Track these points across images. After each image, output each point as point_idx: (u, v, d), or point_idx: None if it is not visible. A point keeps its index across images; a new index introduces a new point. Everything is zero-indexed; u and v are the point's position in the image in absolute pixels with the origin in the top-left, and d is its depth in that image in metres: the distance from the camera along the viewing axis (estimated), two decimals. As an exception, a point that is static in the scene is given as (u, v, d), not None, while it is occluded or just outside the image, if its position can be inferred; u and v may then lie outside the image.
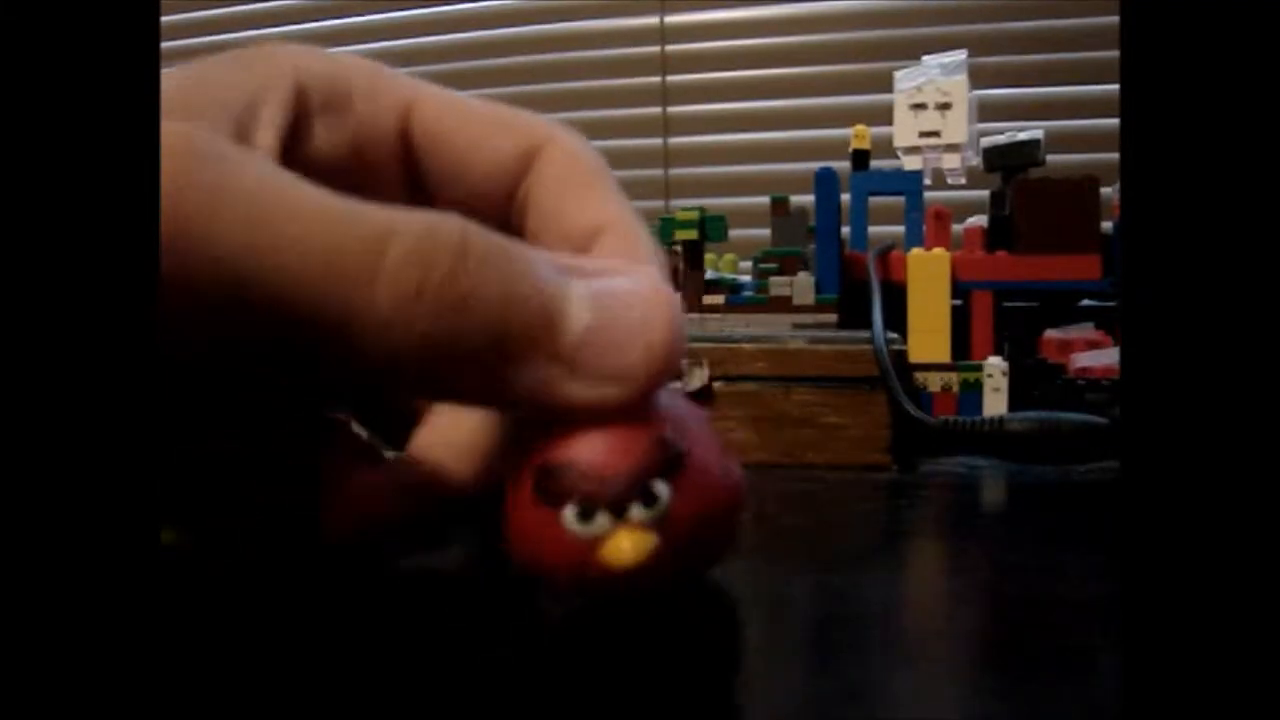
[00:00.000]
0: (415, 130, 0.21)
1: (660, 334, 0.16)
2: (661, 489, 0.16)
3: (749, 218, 0.60)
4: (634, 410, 0.17)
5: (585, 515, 0.16)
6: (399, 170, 0.22)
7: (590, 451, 0.16)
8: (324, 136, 0.21)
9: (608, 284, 0.17)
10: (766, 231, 0.50)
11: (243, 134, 0.19)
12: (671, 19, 0.99)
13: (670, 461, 0.16)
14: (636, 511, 0.16)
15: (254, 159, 0.16)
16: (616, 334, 0.16)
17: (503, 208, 0.21)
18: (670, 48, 0.99)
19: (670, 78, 1.00)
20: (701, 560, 0.18)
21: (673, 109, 1.00)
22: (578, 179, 0.21)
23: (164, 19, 1.09)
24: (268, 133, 0.19)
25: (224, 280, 0.15)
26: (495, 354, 0.16)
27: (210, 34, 1.15)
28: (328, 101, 0.20)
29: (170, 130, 0.16)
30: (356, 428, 0.23)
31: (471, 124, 0.21)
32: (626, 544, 0.16)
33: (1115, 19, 0.80)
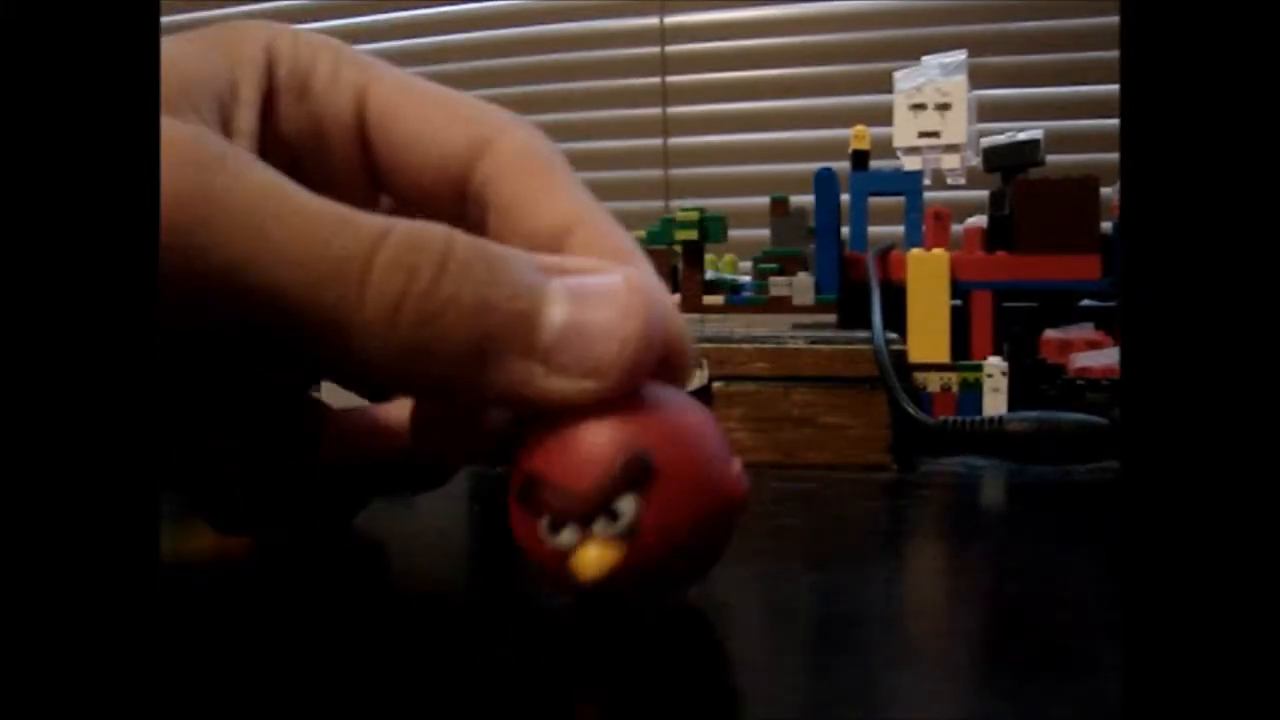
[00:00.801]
0: (369, 115, 0.21)
1: (636, 327, 0.16)
2: (627, 505, 0.16)
3: (749, 218, 0.60)
4: (612, 415, 0.17)
5: (555, 528, 0.16)
6: (357, 156, 0.21)
7: (558, 467, 0.17)
8: (288, 117, 0.21)
9: (584, 280, 0.17)
10: (766, 231, 0.50)
11: (226, 116, 0.19)
12: (671, 19, 0.99)
13: (637, 476, 0.16)
14: (601, 526, 0.16)
15: (253, 164, 0.16)
16: (592, 329, 0.16)
17: (454, 199, 0.21)
18: (670, 48, 0.99)
19: (670, 78, 0.99)
20: (690, 564, 0.18)
21: (672, 109, 1.00)
22: (536, 174, 0.20)
23: (164, 19, 1.09)
24: (247, 113, 0.20)
25: (221, 285, 0.15)
26: (474, 356, 0.16)
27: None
28: (292, 81, 0.20)
29: (171, 133, 0.16)
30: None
31: (420, 111, 0.21)
32: (591, 556, 0.16)
33: (1115, 19, 0.80)
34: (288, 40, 0.21)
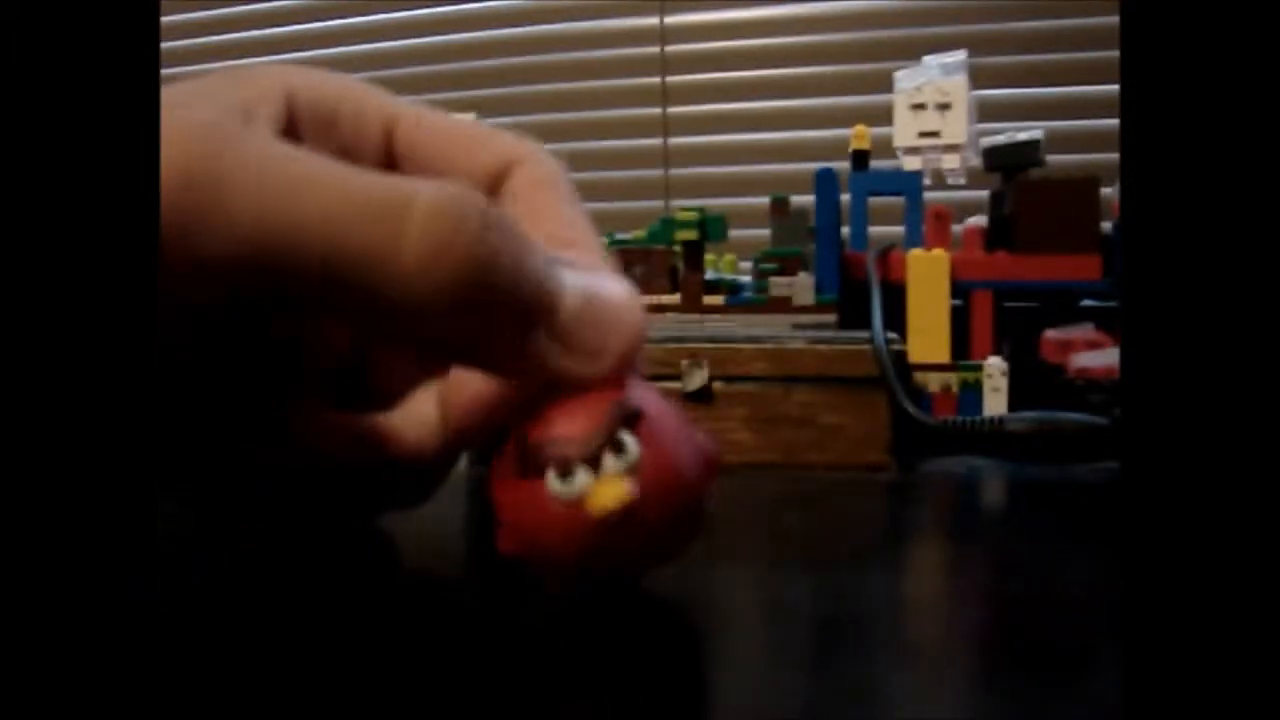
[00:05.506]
0: (397, 147, 0.22)
1: (636, 321, 0.19)
2: (628, 439, 0.17)
3: (749, 218, 0.60)
4: (598, 385, 0.18)
5: (565, 474, 0.17)
6: None
7: (561, 421, 0.18)
8: (313, 151, 0.21)
9: (593, 279, 0.19)
10: (766, 231, 0.50)
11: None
12: (671, 19, 0.99)
13: (630, 415, 0.18)
14: (610, 462, 0.17)
15: (258, 133, 0.17)
16: (602, 319, 0.18)
17: None
18: (670, 48, 0.99)
19: (670, 78, 1.00)
20: (676, 525, 0.18)
21: (672, 109, 1.00)
22: (548, 198, 0.22)
23: (164, 19, 1.09)
24: (265, 130, 0.20)
25: (242, 246, 0.16)
26: (509, 317, 0.17)
27: (209, 34, 1.15)
28: (316, 118, 0.21)
29: (173, 117, 0.16)
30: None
31: (449, 141, 0.22)
32: (607, 492, 0.17)
33: (1115, 19, 0.80)
34: (309, 78, 0.21)
